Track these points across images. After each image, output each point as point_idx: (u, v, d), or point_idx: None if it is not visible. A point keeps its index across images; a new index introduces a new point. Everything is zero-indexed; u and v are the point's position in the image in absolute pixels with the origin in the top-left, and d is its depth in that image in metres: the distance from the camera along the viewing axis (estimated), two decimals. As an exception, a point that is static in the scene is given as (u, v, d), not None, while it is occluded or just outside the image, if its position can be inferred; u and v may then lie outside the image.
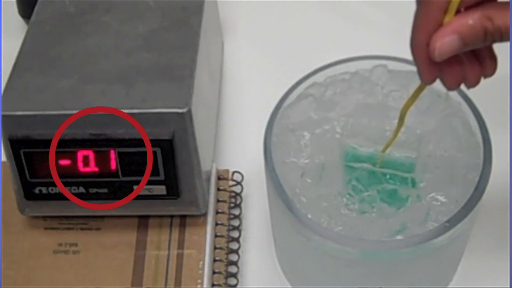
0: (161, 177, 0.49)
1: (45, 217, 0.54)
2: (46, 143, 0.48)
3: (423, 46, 0.38)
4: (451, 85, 0.41)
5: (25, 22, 0.71)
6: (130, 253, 0.52)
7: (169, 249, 0.52)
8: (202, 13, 0.55)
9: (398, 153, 0.48)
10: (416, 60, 0.40)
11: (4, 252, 0.53)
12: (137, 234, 0.53)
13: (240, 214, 0.57)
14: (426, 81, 0.41)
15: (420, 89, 0.43)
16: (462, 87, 0.42)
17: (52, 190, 0.50)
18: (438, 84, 0.53)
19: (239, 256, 0.55)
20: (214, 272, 0.52)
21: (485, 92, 0.50)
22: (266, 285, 0.55)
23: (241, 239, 0.56)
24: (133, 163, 0.49)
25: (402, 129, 0.46)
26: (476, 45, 0.38)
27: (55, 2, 0.57)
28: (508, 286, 0.53)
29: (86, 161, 0.49)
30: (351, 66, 0.53)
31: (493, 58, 0.40)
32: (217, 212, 0.55)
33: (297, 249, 0.49)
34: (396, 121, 0.46)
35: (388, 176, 0.48)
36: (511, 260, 0.54)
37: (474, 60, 0.40)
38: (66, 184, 0.50)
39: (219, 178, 0.57)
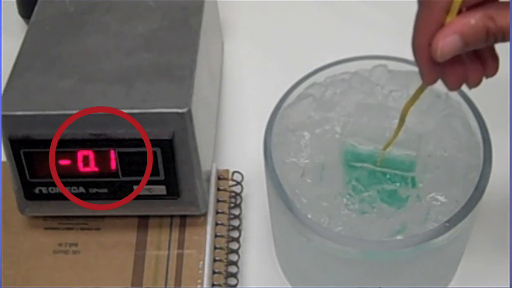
0: (161, 177, 0.49)
1: (45, 217, 0.54)
2: (46, 143, 0.48)
3: (425, 47, 0.38)
4: (453, 86, 0.41)
5: (25, 22, 0.71)
6: (130, 253, 0.52)
7: (169, 249, 0.52)
8: (202, 13, 0.55)
9: (398, 151, 0.48)
10: (418, 61, 0.40)
11: (4, 252, 0.53)
12: (137, 234, 0.53)
13: (240, 214, 0.57)
14: (427, 81, 0.41)
15: (421, 90, 0.43)
16: (463, 87, 0.42)
17: (52, 190, 0.50)
18: (438, 84, 0.52)
19: (239, 256, 0.55)
20: (214, 272, 0.52)
21: (485, 92, 0.49)
22: (266, 285, 0.55)
23: (241, 239, 0.56)
24: (133, 163, 0.49)
25: (402, 129, 0.46)
26: (478, 45, 0.38)
27: (55, 2, 0.57)
28: (508, 286, 0.53)
29: (86, 161, 0.49)
30: (351, 66, 0.53)
31: (495, 58, 0.40)
32: (217, 212, 0.55)
33: (297, 249, 0.49)
34: (396, 121, 0.46)
35: (388, 176, 0.48)
36: (511, 260, 0.54)
37: (476, 60, 0.40)
38: (66, 184, 0.50)
39: (219, 178, 0.57)
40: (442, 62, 0.38)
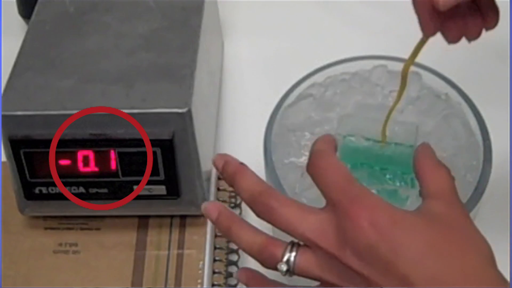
0: (161, 177, 0.49)
1: (45, 217, 0.54)
2: (46, 143, 0.48)
3: None
4: (453, 38, 0.40)
5: (25, 22, 0.71)
6: (130, 253, 0.52)
7: (169, 249, 0.52)
8: (202, 13, 0.55)
9: (398, 126, 0.47)
10: (418, 11, 0.39)
11: (4, 252, 0.53)
12: (137, 234, 0.53)
13: (240, 214, 0.57)
14: (428, 32, 0.40)
15: (421, 43, 0.42)
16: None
17: (52, 190, 0.50)
18: (438, 85, 0.53)
19: (239, 256, 0.55)
20: (214, 272, 0.52)
21: (485, 92, 0.50)
22: (266, 285, 0.55)
23: (241, 239, 0.56)
24: (133, 163, 0.49)
25: (401, 128, 0.46)
26: None
27: (55, 2, 0.57)
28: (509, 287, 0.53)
29: (86, 161, 0.49)
30: (351, 66, 0.53)
31: (495, 11, 0.40)
32: (217, 212, 0.55)
33: (297, 249, 0.49)
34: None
35: (388, 177, 0.48)
36: (511, 260, 0.54)
37: (476, 13, 0.40)
38: (66, 184, 0.50)
39: (219, 178, 0.57)
40: (443, 12, 0.38)
